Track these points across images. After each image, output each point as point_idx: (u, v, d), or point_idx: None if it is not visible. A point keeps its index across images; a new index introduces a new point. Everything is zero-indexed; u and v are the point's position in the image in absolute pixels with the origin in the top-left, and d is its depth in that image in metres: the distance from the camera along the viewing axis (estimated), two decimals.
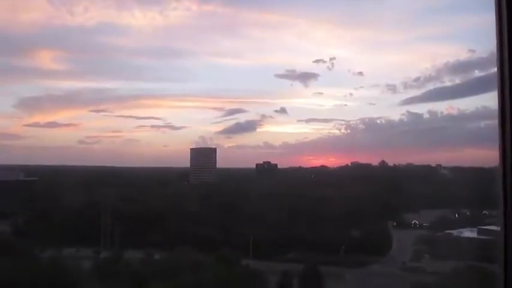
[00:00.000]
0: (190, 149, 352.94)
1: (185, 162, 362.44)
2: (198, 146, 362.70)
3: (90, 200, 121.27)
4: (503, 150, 2.97)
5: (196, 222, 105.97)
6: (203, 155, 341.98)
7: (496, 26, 2.77)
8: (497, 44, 2.83)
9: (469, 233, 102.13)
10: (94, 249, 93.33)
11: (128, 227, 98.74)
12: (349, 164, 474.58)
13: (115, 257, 70.13)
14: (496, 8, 2.67)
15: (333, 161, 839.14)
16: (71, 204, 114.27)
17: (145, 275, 48.77)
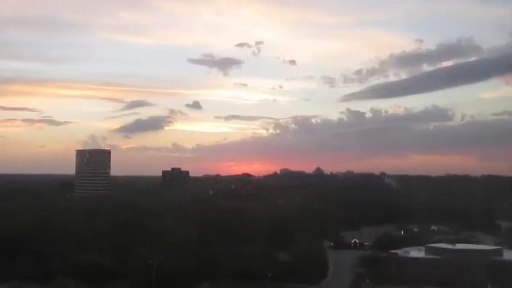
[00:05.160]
0: (77, 150, 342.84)
1: (69, 167, 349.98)
2: (87, 148, 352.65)
3: None
4: None
5: (82, 246, 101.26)
6: (93, 159, 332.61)
7: None
8: None
9: (416, 252, 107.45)
10: None
11: None
12: (278, 172, 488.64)
13: None
14: None
15: (258, 168, 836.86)
16: None
17: None
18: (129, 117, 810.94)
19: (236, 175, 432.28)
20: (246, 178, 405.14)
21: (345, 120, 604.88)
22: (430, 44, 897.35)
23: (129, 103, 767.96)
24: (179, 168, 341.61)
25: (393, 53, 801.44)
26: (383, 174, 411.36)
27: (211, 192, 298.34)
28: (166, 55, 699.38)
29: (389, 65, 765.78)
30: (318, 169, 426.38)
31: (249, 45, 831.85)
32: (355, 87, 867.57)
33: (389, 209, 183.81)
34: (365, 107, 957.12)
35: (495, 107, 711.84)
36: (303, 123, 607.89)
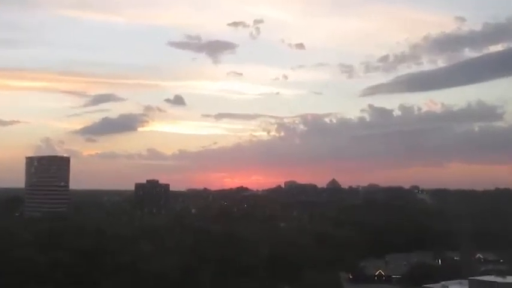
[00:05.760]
0: (27, 157, 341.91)
1: (17, 179, 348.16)
2: (40, 154, 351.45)
3: None
4: None
5: (35, 278, 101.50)
6: (48, 169, 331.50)
7: None
8: None
9: (457, 287, 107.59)
10: None
11: None
12: (283, 185, 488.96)
13: None
14: None
15: (257, 180, 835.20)
16: None
17: None
18: (94, 116, 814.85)
19: (229, 189, 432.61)
20: (241, 193, 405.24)
21: (367, 119, 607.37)
22: (474, 23, 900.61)
23: (94, 97, 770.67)
24: (157, 181, 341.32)
25: (428, 35, 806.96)
26: (415, 188, 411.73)
27: (193, 210, 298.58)
28: (140, 37, 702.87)
29: (423, 50, 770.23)
30: (333, 182, 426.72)
31: (245, 25, 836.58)
32: (380, 78, 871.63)
33: (422, 232, 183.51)
34: (392, 103, 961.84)
35: None
36: (314, 123, 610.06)
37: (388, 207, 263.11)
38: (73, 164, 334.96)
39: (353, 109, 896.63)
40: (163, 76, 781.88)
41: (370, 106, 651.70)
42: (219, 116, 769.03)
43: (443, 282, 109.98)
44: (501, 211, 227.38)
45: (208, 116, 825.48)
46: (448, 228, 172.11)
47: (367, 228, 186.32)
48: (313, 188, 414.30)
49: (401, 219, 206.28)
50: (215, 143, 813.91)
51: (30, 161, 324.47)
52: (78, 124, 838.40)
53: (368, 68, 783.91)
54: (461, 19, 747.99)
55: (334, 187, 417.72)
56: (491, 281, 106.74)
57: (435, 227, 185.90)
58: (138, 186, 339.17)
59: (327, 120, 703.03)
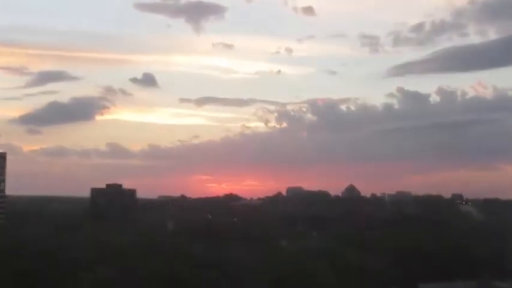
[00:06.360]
0: None
1: None
2: None
3: None
4: None
5: None
6: None
7: None
8: None
9: None
10: None
11: None
12: (285, 193, 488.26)
13: None
14: None
15: (251, 185, 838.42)
16: None
17: None
18: (38, 99, 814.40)
19: (214, 197, 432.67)
20: (230, 202, 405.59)
21: (396, 107, 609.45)
22: None
23: (38, 75, 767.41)
24: (120, 185, 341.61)
25: None
26: (458, 197, 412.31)
27: (168, 224, 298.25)
28: None
29: (469, 17, 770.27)
30: (351, 189, 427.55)
31: None
32: (413, 53, 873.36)
33: (465, 254, 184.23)
34: (429, 85, 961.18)
35: None
36: (327, 111, 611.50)
37: (421, 221, 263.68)
38: (10, 163, 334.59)
39: (377, 93, 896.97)
40: (128, 48, 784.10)
41: (400, 90, 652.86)
42: (202, 101, 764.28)
43: None
44: None
45: (187, 100, 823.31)
46: (499, 250, 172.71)
47: (394, 249, 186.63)
48: (324, 196, 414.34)
49: (438, 237, 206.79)
50: (196, 136, 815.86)
51: None
52: (17, 110, 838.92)
53: (397, 40, 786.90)
54: None
55: (352, 195, 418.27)
56: None
57: (482, 248, 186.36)
58: (96, 191, 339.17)
59: (343, 107, 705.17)
